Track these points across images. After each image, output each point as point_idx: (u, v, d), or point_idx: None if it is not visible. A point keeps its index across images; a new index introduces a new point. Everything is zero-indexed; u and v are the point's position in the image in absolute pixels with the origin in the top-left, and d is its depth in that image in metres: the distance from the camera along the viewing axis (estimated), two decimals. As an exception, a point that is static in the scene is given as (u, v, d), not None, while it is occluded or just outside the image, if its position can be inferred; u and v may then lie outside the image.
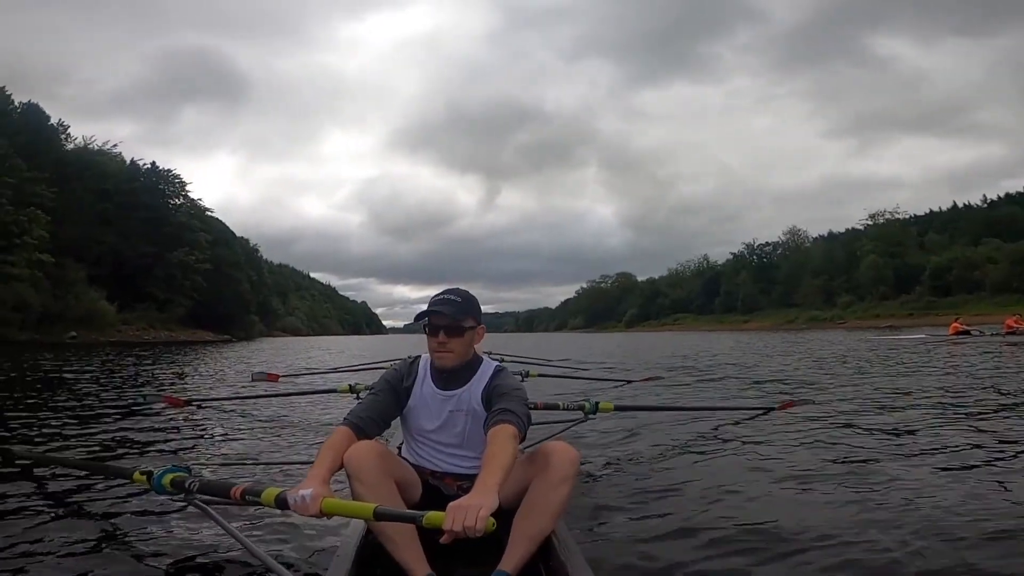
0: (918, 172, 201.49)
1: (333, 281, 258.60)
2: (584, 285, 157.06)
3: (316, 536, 2.41)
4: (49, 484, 3.17)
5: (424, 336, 2.02)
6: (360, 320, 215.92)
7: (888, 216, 69.73)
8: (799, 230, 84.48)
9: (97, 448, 4.37)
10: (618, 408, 4.25)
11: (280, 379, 8.95)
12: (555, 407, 4.00)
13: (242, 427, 5.38)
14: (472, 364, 2.03)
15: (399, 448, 2.26)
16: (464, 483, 1.95)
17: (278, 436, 4.96)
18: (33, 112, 46.53)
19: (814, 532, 2.38)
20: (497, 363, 2.09)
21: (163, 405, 6.35)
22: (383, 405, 1.99)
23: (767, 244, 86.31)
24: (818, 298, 67.44)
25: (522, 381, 3.06)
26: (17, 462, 3.51)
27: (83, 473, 3.31)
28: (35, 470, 3.37)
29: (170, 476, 1.87)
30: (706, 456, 3.95)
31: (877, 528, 2.41)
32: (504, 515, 1.60)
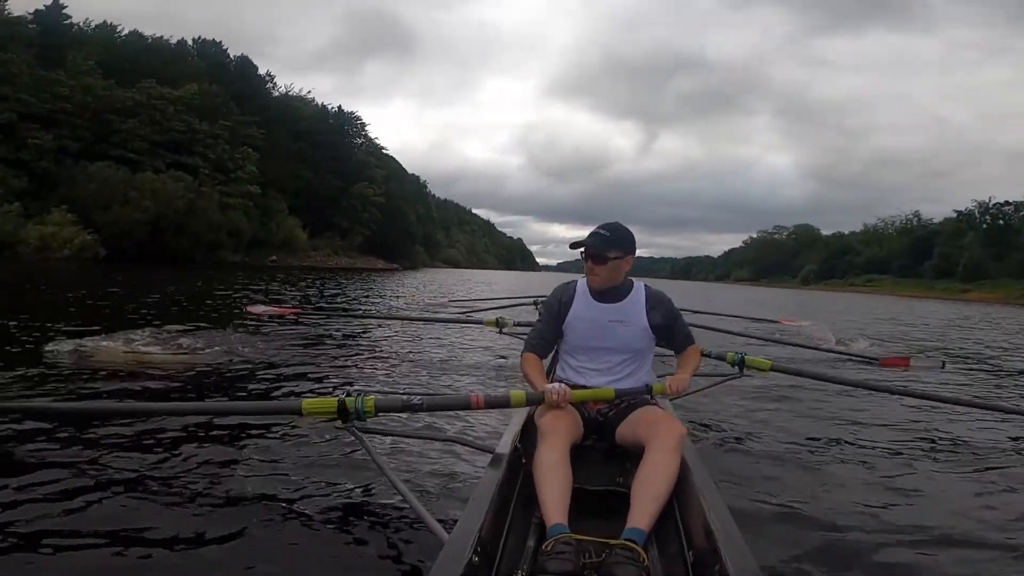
0: None
1: (492, 217, 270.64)
2: (754, 235, 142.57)
3: (462, 477, 2.52)
4: (219, 425, 3.16)
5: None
6: (515, 256, 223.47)
7: None
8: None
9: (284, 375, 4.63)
10: (775, 369, 3.80)
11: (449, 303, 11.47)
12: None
13: (406, 359, 5.76)
14: (625, 286, 2.35)
15: (551, 370, 2.72)
16: (603, 407, 2.22)
17: (440, 370, 5.23)
18: (245, 64, 53.10)
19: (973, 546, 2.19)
20: (645, 284, 2.41)
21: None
22: (549, 328, 2.37)
23: (1007, 203, 68.70)
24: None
25: None
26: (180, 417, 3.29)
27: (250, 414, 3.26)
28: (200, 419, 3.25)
29: (371, 400, 1.94)
30: (868, 441, 3.58)
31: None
32: (625, 455, 2.10)
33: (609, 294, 2.31)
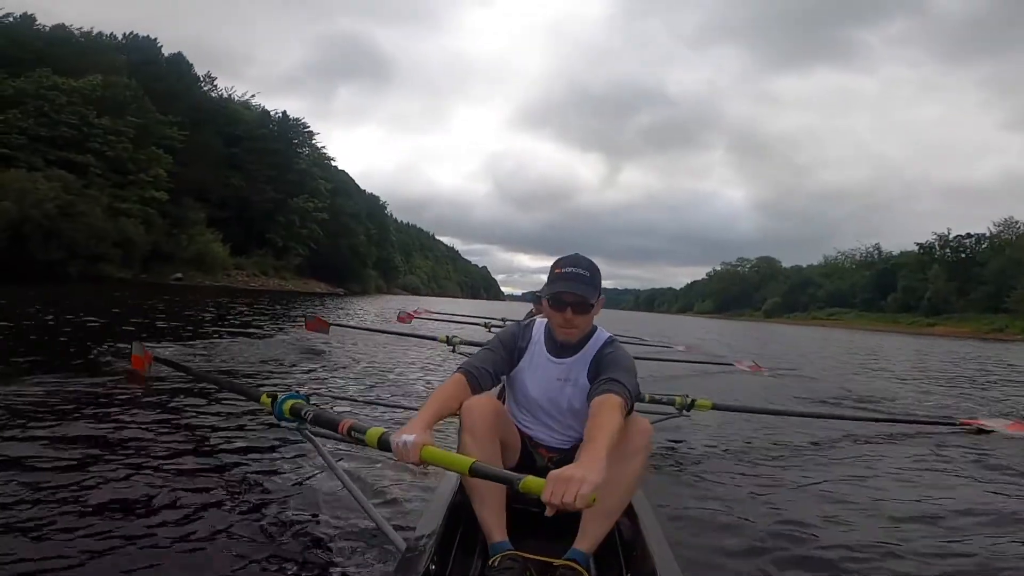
0: None
1: (457, 245, 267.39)
2: (717, 267, 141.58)
3: (413, 484, 2.54)
4: (182, 396, 3.79)
5: (527, 302, 2.62)
6: (479, 284, 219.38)
7: None
8: (1016, 222, 65.90)
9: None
10: (716, 407, 3.95)
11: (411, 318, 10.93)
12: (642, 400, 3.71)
13: (353, 365, 6.18)
14: (587, 334, 1.98)
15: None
16: (555, 455, 1.97)
17: (381, 378, 5.57)
18: (177, 62, 48.67)
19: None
20: (610, 334, 2.03)
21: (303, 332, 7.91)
22: (498, 360, 1.97)
23: (968, 235, 68.73)
24: (1042, 306, 51.55)
25: None
26: (164, 371, 4.31)
27: (215, 389, 3.91)
28: (175, 381, 4.11)
29: (290, 403, 1.96)
30: (811, 470, 3.66)
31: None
32: None
33: (567, 346, 1.97)
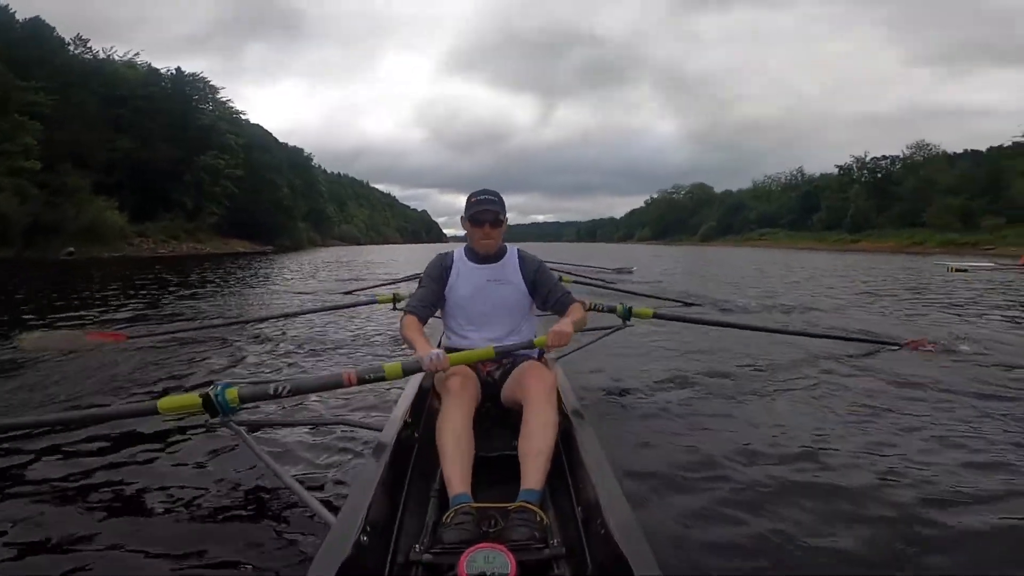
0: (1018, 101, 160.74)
1: (395, 191, 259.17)
2: (654, 195, 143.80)
3: (355, 461, 2.47)
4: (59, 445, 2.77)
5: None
6: (420, 228, 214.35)
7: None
8: (927, 144, 68.78)
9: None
10: (657, 316, 4.04)
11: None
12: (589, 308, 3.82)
13: (290, 349, 5.27)
14: (500, 249, 2.40)
15: (439, 342, 2.65)
16: (493, 369, 2.26)
17: (336, 354, 5.03)
18: (35, 26, 42.93)
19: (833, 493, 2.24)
20: (517, 247, 2.45)
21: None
22: (431, 292, 2.35)
23: (883, 158, 71.30)
24: (953, 220, 54.75)
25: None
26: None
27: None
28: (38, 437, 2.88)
29: (234, 391, 1.78)
30: (745, 381, 3.88)
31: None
32: (518, 417, 1.91)
33: (487, 257, 2.37)
